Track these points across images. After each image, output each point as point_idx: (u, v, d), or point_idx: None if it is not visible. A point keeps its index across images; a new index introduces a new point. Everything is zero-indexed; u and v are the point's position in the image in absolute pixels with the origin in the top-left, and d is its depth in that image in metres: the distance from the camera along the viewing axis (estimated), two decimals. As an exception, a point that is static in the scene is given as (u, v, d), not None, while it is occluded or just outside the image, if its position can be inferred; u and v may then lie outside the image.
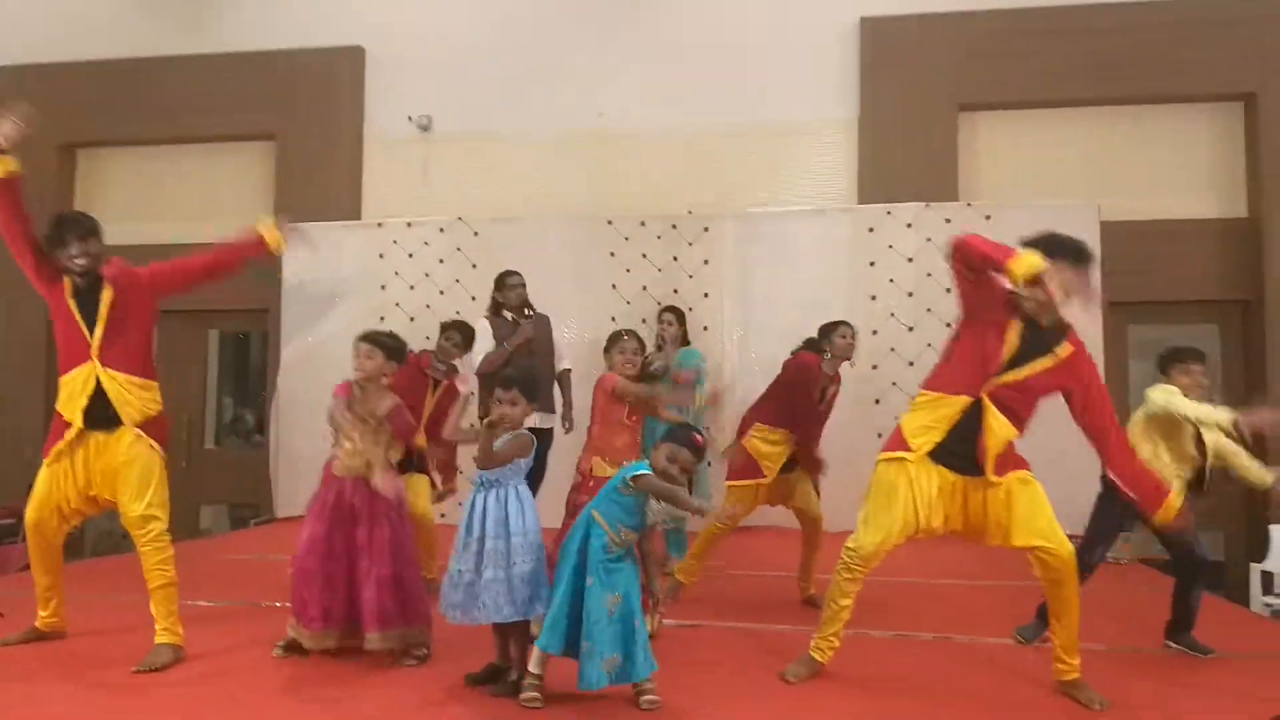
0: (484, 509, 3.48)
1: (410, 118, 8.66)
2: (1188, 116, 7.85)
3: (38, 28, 9.20)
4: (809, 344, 5.01)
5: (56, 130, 9.10)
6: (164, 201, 9.20)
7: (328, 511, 3.88)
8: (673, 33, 8.42)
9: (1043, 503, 3.44)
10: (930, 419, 3.47)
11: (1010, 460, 3.46)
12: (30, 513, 3.85)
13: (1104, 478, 4.11)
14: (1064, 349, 3.41)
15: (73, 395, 3.74)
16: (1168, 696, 3.53)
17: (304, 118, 8.78)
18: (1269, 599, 6.25)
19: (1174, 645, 4.10)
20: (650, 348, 6.12)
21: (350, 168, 8.75)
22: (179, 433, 9.03)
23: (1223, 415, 3.96)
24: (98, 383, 3.72)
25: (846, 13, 8.14)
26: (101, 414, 3.74)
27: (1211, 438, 4.13)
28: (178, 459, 9.04)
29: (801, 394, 4.85)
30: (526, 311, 6.06)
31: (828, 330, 4.96)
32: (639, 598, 3.30)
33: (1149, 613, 4.44)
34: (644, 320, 7.41)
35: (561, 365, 6.14)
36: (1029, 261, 3.18)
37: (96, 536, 8.45)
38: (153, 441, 3.80)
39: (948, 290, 7.05)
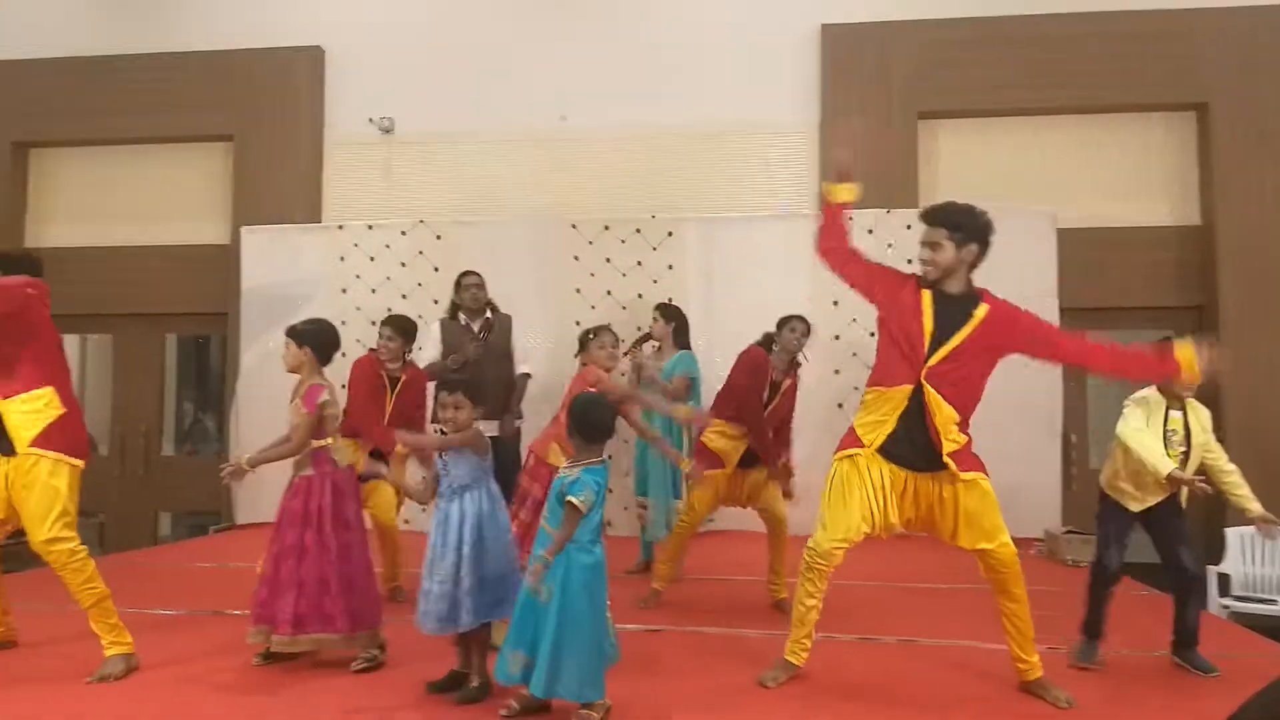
0: (460, 517, 3.45)
1: (371, 119, 8.58)
2: (1142, 125, 7.98)
3: (-9, 24, 9.03)
4: (764, 339, 5.01)
5: (9, 128, 8.98)
6: (118, 202, 9.05)
7: (281, 515, 3.82)
8: (636, 34, 8.41)
9: (990, 504, 3.45)
10: (878, 414, 3.50)
11: (967, 459, 3.47)
12: None
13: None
14: (980, 309, 3.43)
15: None
16: (1129, 696, 3.58)
17: (263, 119, 8.66)
18: (1226, 600, 6.36)
19: (1178, 661, 3.99)
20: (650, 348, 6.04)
21: (309, 169, 8.65)
22: (135, 440, 8.89)
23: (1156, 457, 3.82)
24: None
25: (808, 19, 8.19)
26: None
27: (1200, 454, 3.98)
28: (134, 466, 8.90)
29: (746, 388, 4.83)
30: (488, 313, 6.01)
31: (780, 325, 4.96)
32: (581, 610, 3.10)
33: (1115, 613, 4.48)
34: (608, 325, 7.38)
35: (520, 370, 6.06)
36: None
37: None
38: (56, 454, 3.60)
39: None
